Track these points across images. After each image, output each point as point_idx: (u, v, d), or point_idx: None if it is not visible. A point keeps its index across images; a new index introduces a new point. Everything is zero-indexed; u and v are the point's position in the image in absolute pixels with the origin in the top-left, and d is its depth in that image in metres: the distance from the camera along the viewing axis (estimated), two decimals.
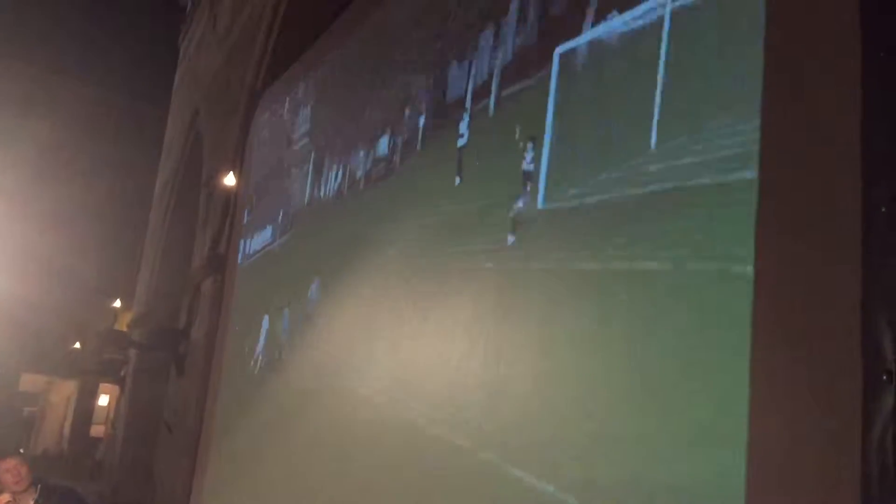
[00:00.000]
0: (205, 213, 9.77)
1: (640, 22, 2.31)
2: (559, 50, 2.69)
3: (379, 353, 3.12)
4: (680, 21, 2.18)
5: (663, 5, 2.22)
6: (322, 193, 4.78)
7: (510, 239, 2.64)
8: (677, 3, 2.21)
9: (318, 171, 4.87)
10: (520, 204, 2.61)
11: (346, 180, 4.51)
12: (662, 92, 2.16)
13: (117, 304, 20.16)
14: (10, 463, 4.72)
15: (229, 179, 6.87)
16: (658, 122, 2.15)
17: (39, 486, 4.77)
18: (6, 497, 4.48)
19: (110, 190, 22.15)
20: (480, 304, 2.68)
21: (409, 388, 2.99)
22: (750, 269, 1.77)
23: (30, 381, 23.12)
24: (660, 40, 2.20)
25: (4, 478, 4.69)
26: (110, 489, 12.54)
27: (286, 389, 4.03)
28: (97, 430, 23.01)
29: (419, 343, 2.97)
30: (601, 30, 2.51)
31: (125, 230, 20.53)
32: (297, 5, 7.65)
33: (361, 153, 4.41)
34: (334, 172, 4.64)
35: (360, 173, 4.40)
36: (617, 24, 2.44)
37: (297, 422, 3.79)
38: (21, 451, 5.26)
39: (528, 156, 2.62)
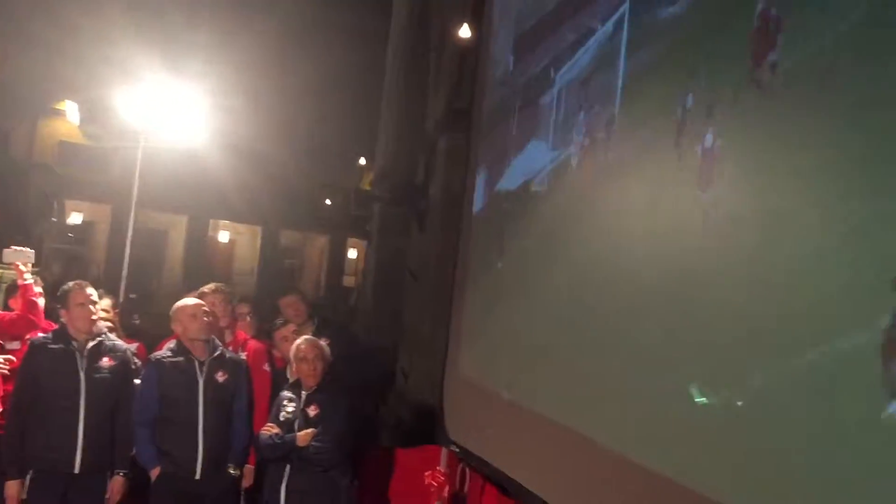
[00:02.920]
0: (436, 72, 9.98)
1: None
2: None
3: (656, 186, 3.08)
4: None
5: None
6: None
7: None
8: None
9: None
10: None
11: None
12: None
13: (362, 162, 21.57)
14: (292, 298, 5.38)
15: (463, 32, 6.91)
16: None
17: (317, 319, 5.42)
18: (292, 327, 5.13)
19: (348, 55, 23.18)
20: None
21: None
22: None
23: (288, 237, 25.79)
24: None
25: (287, 311, 5.36)
26: (363, 331, 13.87)
27: (538, 230, 4.14)
28: (348, 280, 25.41)
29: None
30: None
31: (364, 94, 21.55)
32: None
33: None
34: None
35: None
36: None
37: (551, 265, 3.89)
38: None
39: None
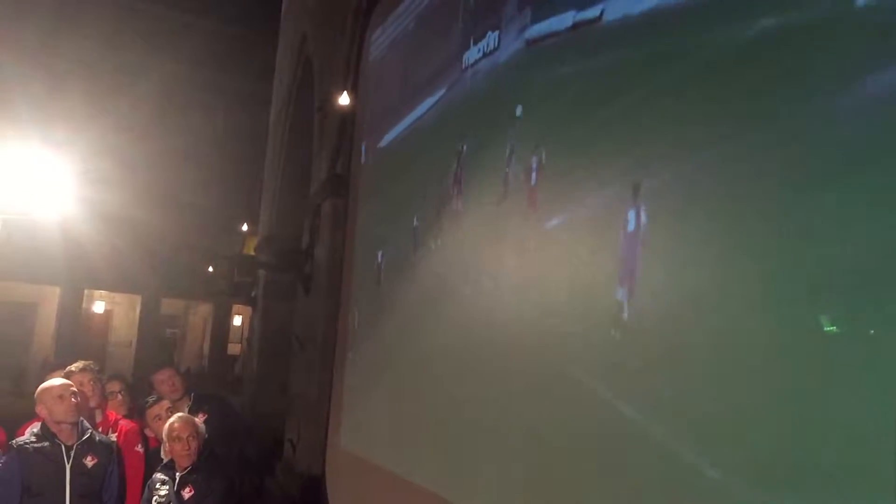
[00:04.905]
0: (320, 137, 10.00)
1: None
2: None
3: (506, 257, 3.10)
4: None
5: None
6: None
7: None
8: None
9: None
10: None
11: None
12: None
13: (244, 228, 21.16)
14: (166, 374, 5.13)
15: (343, 100, 6.99)
16: None
17: (192, 394, 5.20)
18: (166, 404, 4.89)
19: (229, 120, 22.92)
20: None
21: (535, 291, 3.00)
22: None
23: (170, 305, 24.80)
24: None
25: (161, 388, 5.10)
26: (250, 401, 13.43)
27: (414, 296, 4.16)
28: (234, 348, 24.62)
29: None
30: None
31: (246, 158, 21.31)
32: None
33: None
34: None
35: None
36: None
37: (425, 328, 3.90)
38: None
39: None
